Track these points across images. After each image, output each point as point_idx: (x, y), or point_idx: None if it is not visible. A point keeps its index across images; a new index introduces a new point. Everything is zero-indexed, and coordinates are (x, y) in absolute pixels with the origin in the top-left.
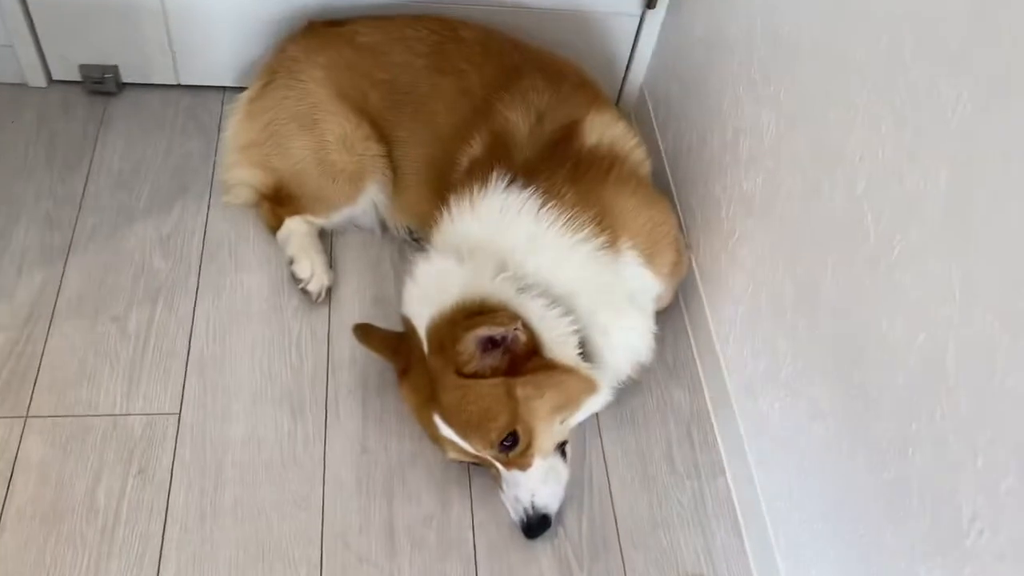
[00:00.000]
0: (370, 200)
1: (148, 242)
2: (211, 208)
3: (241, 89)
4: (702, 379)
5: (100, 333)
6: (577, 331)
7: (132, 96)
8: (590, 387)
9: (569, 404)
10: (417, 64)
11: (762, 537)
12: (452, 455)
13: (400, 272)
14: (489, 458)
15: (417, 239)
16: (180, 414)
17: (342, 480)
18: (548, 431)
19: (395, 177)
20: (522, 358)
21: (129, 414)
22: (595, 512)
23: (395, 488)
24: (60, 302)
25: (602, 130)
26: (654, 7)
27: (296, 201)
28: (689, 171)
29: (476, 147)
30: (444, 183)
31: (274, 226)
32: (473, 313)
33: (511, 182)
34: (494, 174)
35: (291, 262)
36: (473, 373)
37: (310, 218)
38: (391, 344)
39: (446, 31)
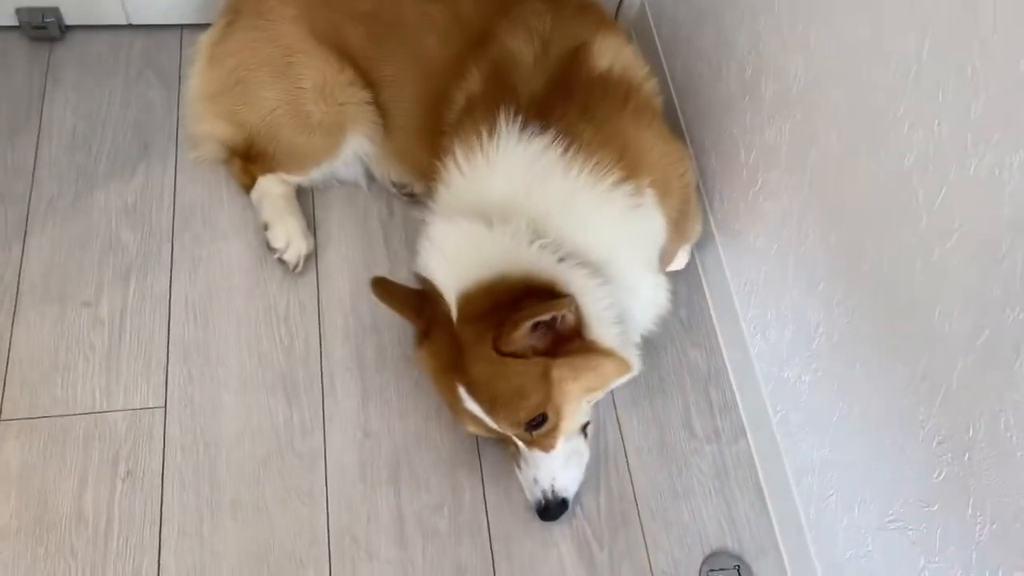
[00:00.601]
0: (353, 152)
1: (113, 212)
2: (178, 168)
3: (203, 27)
4: (719, 337)
5: (70, 321)
6: (613, 304)
7: (78, 41)
8: (624, 369)
9: (601, 385)
10: None
11: (789, 511)
12: (470, 428)
13: (389, 230)
14: (512, 436)
15: (408, 192)
16: (166, 408)
17: (345, 469)
18: (576, 412)
19: (384, 122)
20: (565, 339)
21: (111, 411)
22: (612, 486)
23: (401, 474)
24: (23, 288)
25: (613, 55)
26: None
27: (269, 158)
28: (700, 106)
29: (473, 81)
30: (439, 125)
31: (247, 184)
32: (517, 290)
33: (524, 124)
34: (501, 115)
35: (265, 228)
36: (511, 352)
37: (285, 176)
38: (412, 302)
39: None
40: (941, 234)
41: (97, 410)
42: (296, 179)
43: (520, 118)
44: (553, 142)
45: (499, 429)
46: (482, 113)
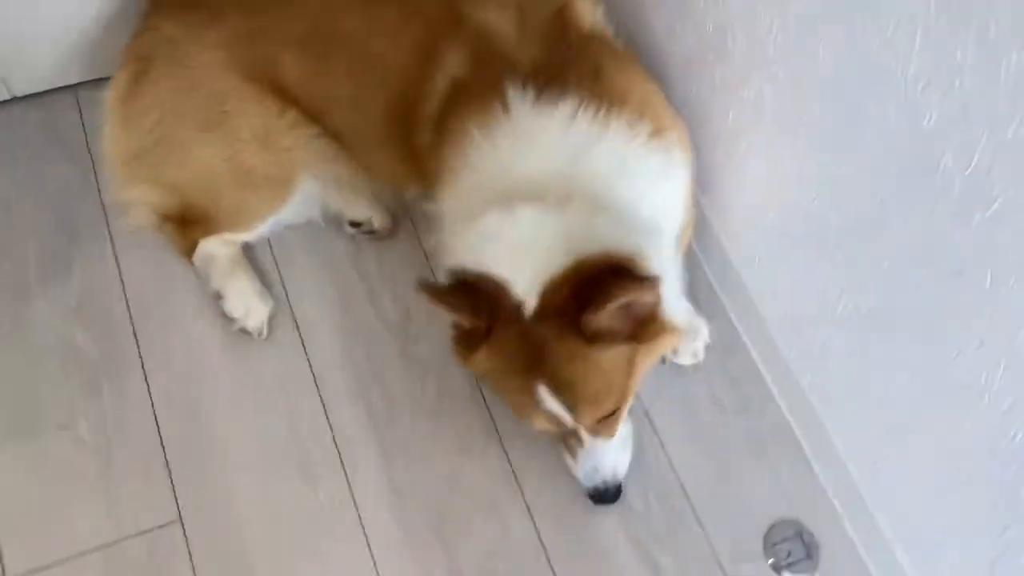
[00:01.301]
0: (304, 195)
1: (60, 319)
2: (117, 250)
3: (100, 83)
4: (726, 307)
5: (50, 452)
6: (679, 275)
7: None
8: (676, 343)
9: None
10: (338, 2)
11: (838, 471)
12: (540, 426)
13: (362, 267)
14: (582, 429)
15: (368, 230)
16: (182, 520)
17: (386, 537)
18: (634, 395)
19: (342, 146)
20: (645, 321)
21: (124, 539)
22: (657, 483)
23: (445, 526)
24: None
25: (592, 12)
26: None
27: (209, 220)
28: (659, 65)
29: (453, 65)
30: (411, 125)
31: (186, 250)
32: (598, 272)
33: (539, 93)
34: (508, 88)
35: (219, 298)
36: (601, 341)
37: (229, 236)
38: (468, 301)
39: None
40: (980, 201)
41: (108, 542)
42: (242, 237)
43: (531, 87)
44: (581, 105)
45: (574, 425)
46: (482, 91)
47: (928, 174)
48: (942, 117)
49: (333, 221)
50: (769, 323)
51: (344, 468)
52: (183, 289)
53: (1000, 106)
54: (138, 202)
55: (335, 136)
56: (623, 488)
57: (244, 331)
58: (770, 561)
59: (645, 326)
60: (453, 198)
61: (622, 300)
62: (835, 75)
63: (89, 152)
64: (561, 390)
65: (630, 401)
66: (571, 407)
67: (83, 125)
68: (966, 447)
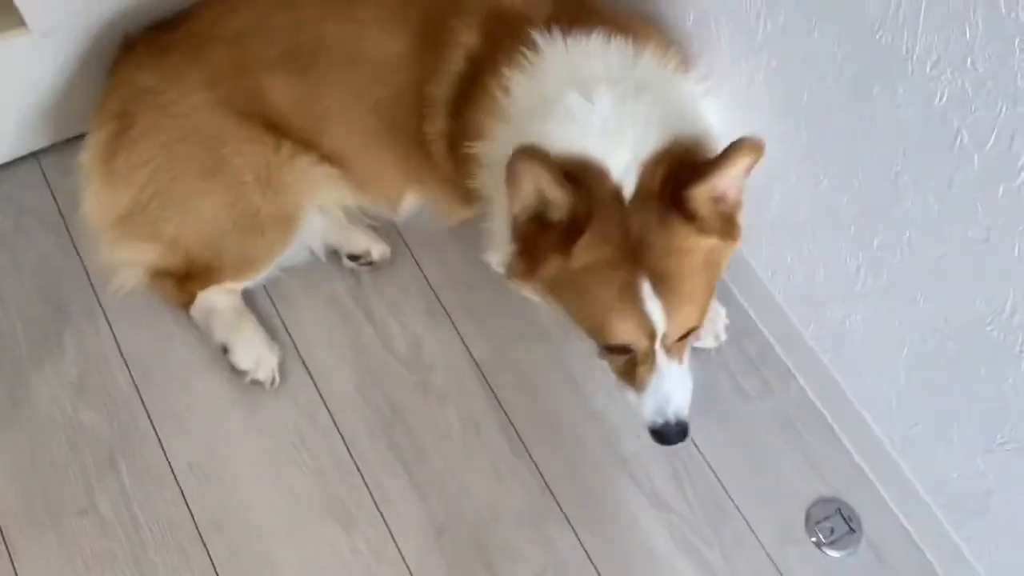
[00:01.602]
0: (308, 230)
1: (63, 397)
2: (110, 317)
3: (60, 147)
4: (732, 287)
5: (75, 539)
6: None
7: None
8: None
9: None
10: (312, 12)
11: (871, 444)
12: (619, 338)
13: (366, 303)
14: (662, 346)
15: (368, 261)
16: None
17: (436, 574)
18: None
19: (340, 162)
20: (732, 219)
21: None
22: (693, 477)
23: (492, 556)
24: (6, 525)
25: None
26: None
27: (212, 271)
28: None
29: (465, 41)
30: (421, 113)
31: (184, 303)
32: (692, 148)
33: (565, 32)
34: (531, 32)
35: (225, 351)
36: (700, 224)
37: (231, 285)
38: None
39: None
40: (1003, 174)
41: None
42: (244, 284)
43: (556, 29)
44: (611, 37)
45: (662, 334)
46: (506, 50)
47: (945, 149)
48: (955, 94)
49: (332, 256)
50: (782, 302)
51: (380, 510)
52: (183, 346)
53: (1019, 82)
54: (129, 263)
55: (330, 159)
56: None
57: (255, 382)
58: (814, 540)
59: (731, 224)
60: (498, 145)
61: (727, 172)
62: (831, 60)
63: (63, 220)
64: (664, 285)
65: (704, 323)
66: (670, 306)
67: (52, 193)
68: (1003, 406)
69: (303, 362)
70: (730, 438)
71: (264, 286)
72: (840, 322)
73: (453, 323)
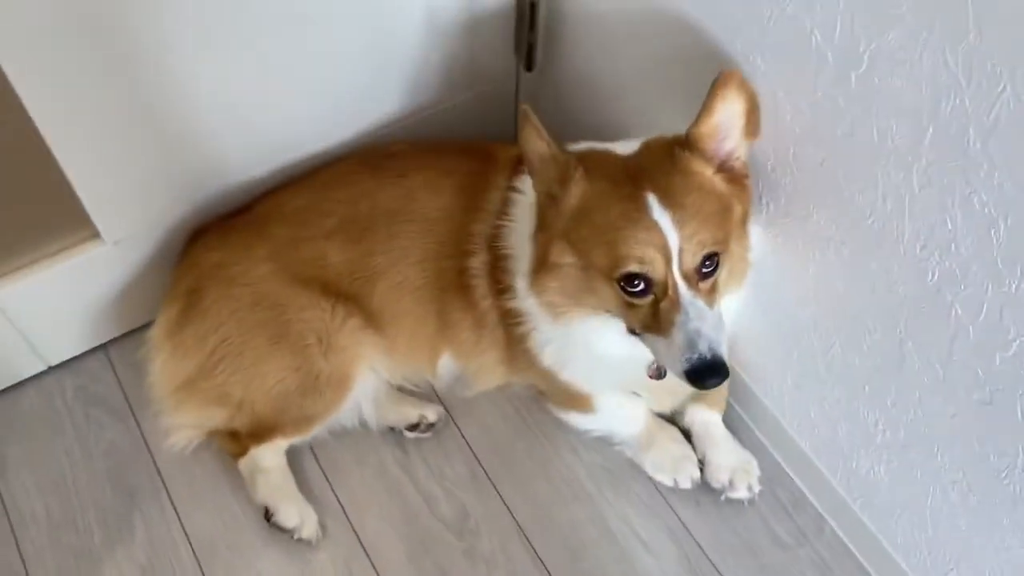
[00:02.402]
0: (360, 392)
1: None
2: (175, 500)
3: (125, 337)
4: (760, 437)
5: None
6: None
7: (4, 407)
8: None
9: (738, 277)
10: (368, 186)
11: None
12: (637, 253)
13: (413, 472)
14: (678, 281)
15: (429, 425)
16: None
17: None
18: (734, 279)
19: (387, 322)
20: (740, 177)
21: None
22: None
23: None
24: None
25: None
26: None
27: (271, 429)
28: None
29: (503, 182)
30: (455, 264)
31: (236, 454)
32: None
33: None
34: None
35: (268, 513)
36: (703, 155)
37: (282, 441)
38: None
39: (374, 157)
40: (998, 344)
41: None
42: (296, 441)
43: None
44: None
45: (677, 256)
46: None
47: (942, 320)
48: (944, 275)
49: (390, 434)
50: (810, 453)
51: None
52: (243, 529)
53: (1000, 265)
54: (193, 425)
55: (374, 321)
56: (728, 369)
57: (301, 540)
58: None
59: (738, 180)
60: (519, 225)
61: (719, 103)
62: (831, 237)
63: (130, 407)
64: (668, 197)
65: (730, 279)
66: (677, 219)
67: (119, 382)
68: None
69: (354, 531)
70: None
71: (317, 459)
72: (867, 472)
73: (496, 488)
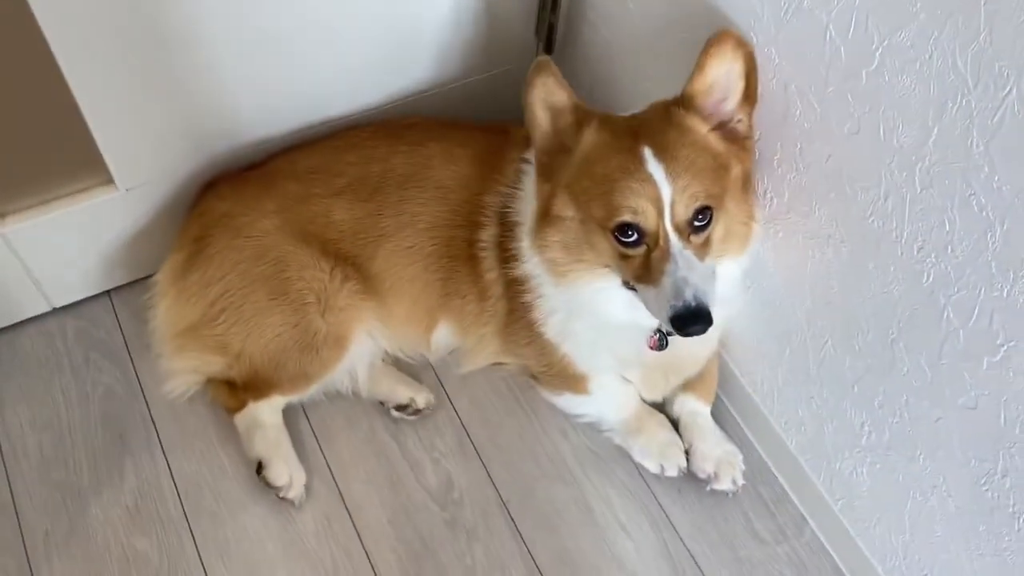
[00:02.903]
0: (355, 353)
1: (117, 523)
2: (166, 448)
3: (130, 285)
4: (748, 435)
5: None
6: None
7: (5, 344)
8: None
9: (739, 244)
10: (383, 151)
11: None
12: (630, 202)
13: (401, 439)
14: (670, 233)
15: (416, 410)
16: None
17: None
18: (729, 240)
19: (386, 288)
20: (741, 141)
21: None
22: None
23: None
24: None
25: None
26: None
27: (269, 384)
28: None
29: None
30: (465, 234)
31: (233, 408)
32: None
33: None
34: None
35: (260, 467)
36: (698, 112)
37: (280, 399)
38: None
39: (391, 127)
40: (986, 349)
41: None
42: (293, 399)
43: None
44: None
45: (669, 208)
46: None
47: (934, 322)
48: (939, 277)
49: (378, 407)
50: (795, 452)
51: None
52: (230, 482)
53: (994, 269)
54: (192, 371)
55: (372, 286)
56: (712, 318)
57: (285, 500)
58: None
59: (737, 141)
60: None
61: (712, 61)
62: (831, 235)
63: (129, 354)
64: (663, 151)
65: (725, 238)
66: (670, 171)
67: (120, 328)
68: (1000, 563)
69: (340, 493)
70: None
71: (309, 421)
72: (849, 473)
73: (483, 462)
